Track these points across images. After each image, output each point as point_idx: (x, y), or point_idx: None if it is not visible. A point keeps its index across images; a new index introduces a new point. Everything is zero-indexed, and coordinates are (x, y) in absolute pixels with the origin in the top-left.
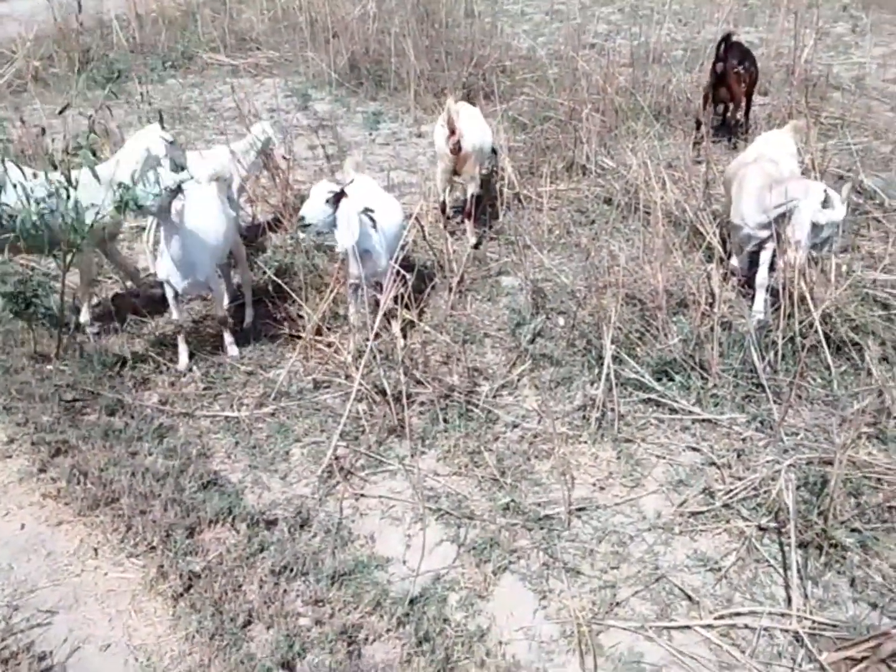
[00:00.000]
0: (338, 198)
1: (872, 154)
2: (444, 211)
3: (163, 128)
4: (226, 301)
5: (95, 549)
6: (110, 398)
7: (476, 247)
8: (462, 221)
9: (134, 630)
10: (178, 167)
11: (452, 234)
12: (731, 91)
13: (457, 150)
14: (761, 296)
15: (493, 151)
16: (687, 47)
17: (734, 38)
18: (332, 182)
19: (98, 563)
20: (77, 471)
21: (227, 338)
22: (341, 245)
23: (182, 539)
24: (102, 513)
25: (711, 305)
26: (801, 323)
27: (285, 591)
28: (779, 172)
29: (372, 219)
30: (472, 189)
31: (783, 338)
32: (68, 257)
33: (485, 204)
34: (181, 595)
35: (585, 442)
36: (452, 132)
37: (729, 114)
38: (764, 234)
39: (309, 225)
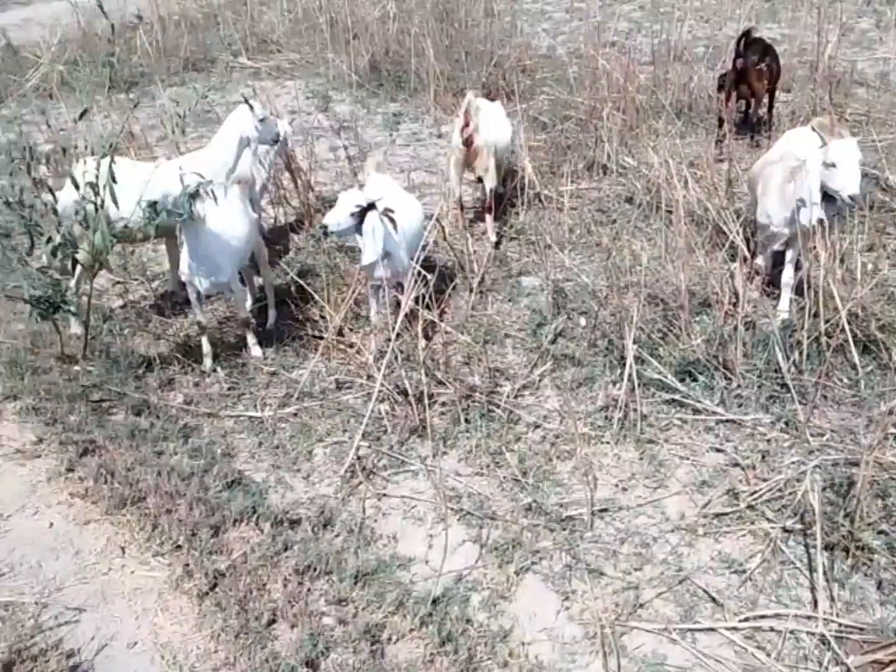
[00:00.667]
0: (364, 211)
1: None
2: (461, 207)
3: (251, 108)
4: (249, 302)
5: (122, 548)
6: (136, 398)
7: (497, 245)
8: (483, 219)
9: (160, 628)
10: (273, 142)
11: (472, 234)
12: (751, 88)
13: (469, 142)
14: (787, 295)
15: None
16: (709, 44)
17: (755, 34)
18: (361, 193)
19: (125, 562)
20: (104, 470)
21: (251, 339)
22: (367, 258)
23: (207, 538)
24: (129, 512)
25: (735, 305)
26: (826, 322)
27: (309, 590)
28: (804, 170)
29: (392, 219)
30: (490, 184)
31: (808, 337)
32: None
33: (505, 204)
34: (206, 594)
35: (608, 442)
36: (466, 124)
37: (751, 111)
38: (789, 230)
39: (333, 232)
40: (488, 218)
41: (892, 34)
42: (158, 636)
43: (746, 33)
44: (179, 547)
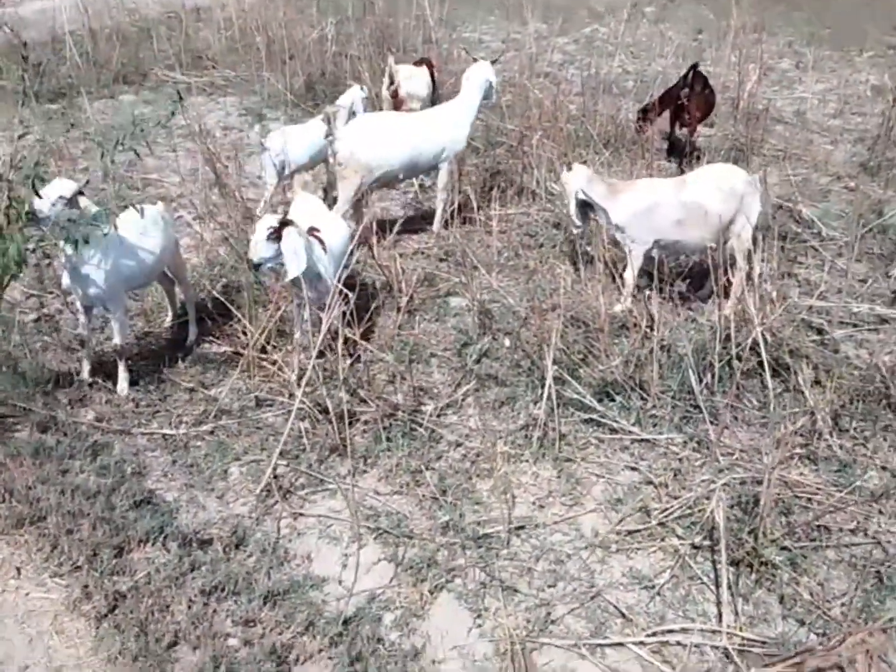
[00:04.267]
0: (279, 230)
1: (811, 185)
2: None
3: (493, 63)
4: (118, 335)
5: (18, 569)
6: (43, 415)
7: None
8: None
9: (54, 651)
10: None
11: (402, 255)
12: (692, 116)
13: (395, 94)
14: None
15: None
16: (637, 79)
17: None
18: (272, 216)
19: (20, 583)
20: (3, 488)
21: (121, 372)
22: (291, 274)
23: (109, 558)
24: (28, 531)
25: (651, 328)
26: (737, 346)
27: (215, 611)
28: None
29: (321, 240)
30: None
31: (720, 361)
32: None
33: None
34: (105, 616)
35: (527, 461)
36: (392, 82)
37: (680, 137)
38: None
39: (260, 265)
40: None
41: (811, 74)
42: (52, 660)
43: (694, 66)
44: (79, 568)
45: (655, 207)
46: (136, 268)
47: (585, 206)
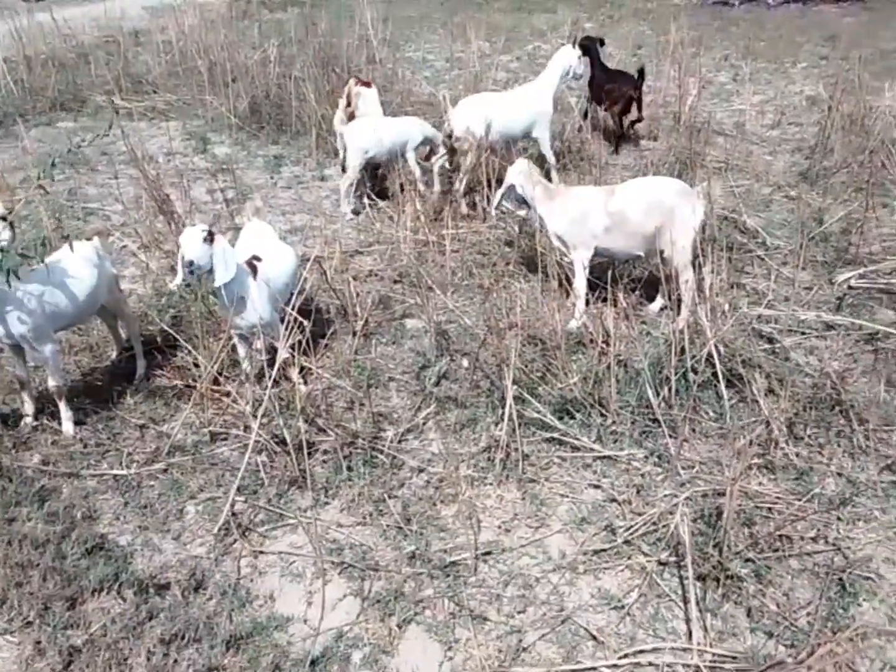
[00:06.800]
0: (212, 235)
1: (753, 195)
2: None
3: (573, 47)
4: (53, 376)
5: None
6: None
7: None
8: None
9: None
10: (580, 77)
11: (356, 278)
12: (640, 110)
13: (351, 115)
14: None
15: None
16: (581, 94)
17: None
18: (199, 225)
19: None
20: None
21: (64, 412)
22: (219, 279)
23: (62, 611)
24: None
25: (607, 343)
26: (692, 358)
27: (175, 661)
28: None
29: (254, 267)
30: None
31: (676, 373)
32: None
33: (387, 248)
34: None
35: (491, 484)
36: (348, 104)
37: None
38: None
39: (200, 266)
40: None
41: (748, 87)
42: None
43: (642, 69)
44: (30, 623)
45: (587, 215)
46: (65, 306)
47: (524, 203)
